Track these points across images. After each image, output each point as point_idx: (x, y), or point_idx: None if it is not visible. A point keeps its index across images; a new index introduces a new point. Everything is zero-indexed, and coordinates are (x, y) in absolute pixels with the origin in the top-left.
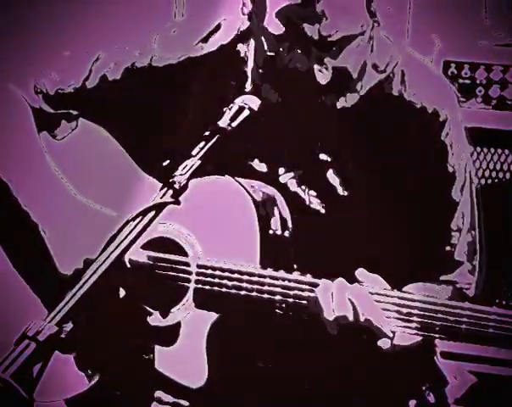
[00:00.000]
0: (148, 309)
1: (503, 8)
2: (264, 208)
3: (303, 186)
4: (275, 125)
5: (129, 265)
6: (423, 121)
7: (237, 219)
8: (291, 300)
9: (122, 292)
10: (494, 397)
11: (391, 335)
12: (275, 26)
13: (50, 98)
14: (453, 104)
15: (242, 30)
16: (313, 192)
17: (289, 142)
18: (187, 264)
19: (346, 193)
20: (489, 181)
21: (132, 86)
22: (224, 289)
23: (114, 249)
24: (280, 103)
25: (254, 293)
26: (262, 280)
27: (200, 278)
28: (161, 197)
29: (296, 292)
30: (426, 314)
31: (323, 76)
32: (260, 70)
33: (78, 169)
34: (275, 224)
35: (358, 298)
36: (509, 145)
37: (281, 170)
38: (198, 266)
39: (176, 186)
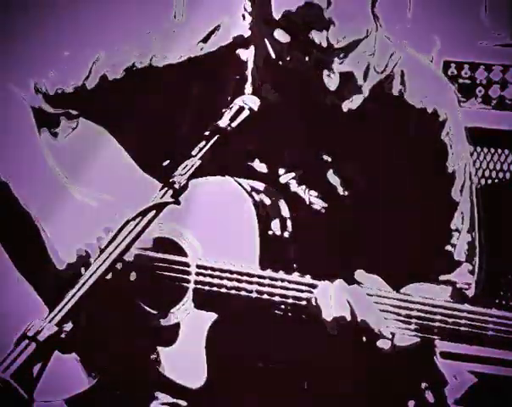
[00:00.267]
0: (148, 309)
1: (503, 8)
2: (264, 208)
3: (304, 187)
4: (275, 125)
5: (129, 265)
6: (423, 121)
7: (237, 219)
8: (290, 301)
9: (122, 292)
10: (494, 397)
11: (390, 337)
12: (279, 31)
13: (50, 98)
14: (453, 104)
15: (242, 30)
16: (313, 192)
17: (289, 142)
18: (187, 265)
19: (346, 193)
20: (489, 181)
21: (132, 86)
22: (223, 290)
23: (114, 249)
24: (280, 103)
25: (254, 294)
26: (261, 281)
27: (200, 278)
28: (161, 198)
29: (295, 293)
30: (425, 316)
31: (331, 81)
32: (260, 71)
33: (78, 168)
34: (275, 225)
35: (357, 299)
36: (509, 145)
37: (282, 171)
38: (198, 267)
39: (176, 186)
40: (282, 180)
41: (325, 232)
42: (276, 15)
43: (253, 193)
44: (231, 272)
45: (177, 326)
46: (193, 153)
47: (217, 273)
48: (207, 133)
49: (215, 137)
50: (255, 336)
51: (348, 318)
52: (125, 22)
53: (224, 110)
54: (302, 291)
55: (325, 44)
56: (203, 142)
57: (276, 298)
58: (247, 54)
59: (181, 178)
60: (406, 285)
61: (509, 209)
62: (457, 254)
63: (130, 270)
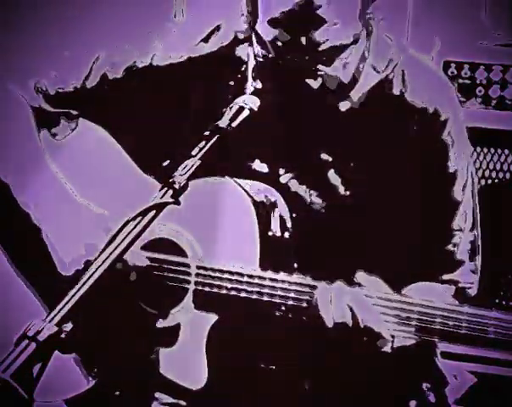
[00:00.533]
0: (148, 309)
1: (503, 8)
2: (264, 209)
3: (304, 187)
4: (275, 125)
5: (129, 266)
6: (424, 121)
7: (237, 220)
8: (290, 302)
9: (122, 292)
10: (494, 397)
11: (390, 339)
12: (266, 32)
13: (50, 98)
14: (454, 104)
15: (242, 30)
16: (314, 192)
17: (289, 141)
18: (187, 266)
19: (347, 193)
20: (489, 181)
21: (132, 85)
22: (223, 291)
23: (114, 249)
24: (280, 103)
25: (254, 295)
26: (261, 282)
27: (200, 279)
28: (161, 198)
29: (295, 294)
30: (426, 318)
31: (315, 82)
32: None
33: (78, 169)
34: (275, 225)
35: (357, 301)
36: (509, 145)
37: (282, 171)
38: (198, 267)
39: (176, 186)
40: (282, 180)
41: (325, 232)
42: (267, 15)
43: (253, 194)
44: (231, 273)
45: (177, 326)
46: (193, 153)
47: (217, 274)
48: (207, 133)
49: (215, 137)
50: (255, 337)
51: (349, 320)
52: (126, 21)
53: (224, 110)
54: (302, 292)
55: (308, 44)
56: (203, 142)
57: (277, 300)
58: (247, 54)
59: (181, 178)
60: (408, 285)
61: (509, 209)
62: (459, 254)
63: (130, 270)
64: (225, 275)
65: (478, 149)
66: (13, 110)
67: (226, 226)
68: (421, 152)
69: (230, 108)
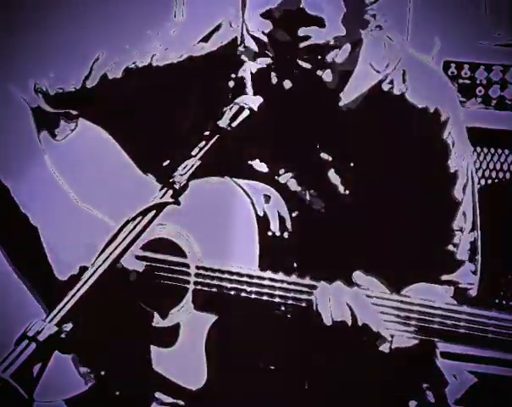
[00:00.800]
0: (148, 309)
1: (503, 8)
2: (263, 209)
3: (304, 186)
4: (275, 124)
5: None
6: (425, 121)
7: (236, 220)
8: (290, 302)
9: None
10: (494, 397)
11: (389, 339)
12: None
13: (50, 98)
14: (454, 104)
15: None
16: (313, 192)
17: (289, 141)
18: (186, 266)
19: (347, 193)
20: (489, 181)
21: (132, 85)
22: (223, 291)
23: (114, 249)
24: (280, 102)
25: (253, 295)
26: (261, 282)
27: (199, 280)
28: (161, 198)
29: (295, 294)
30: (424, 317)
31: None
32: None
33: (77, 169)
34: (274, 225)
35: (356, 301)
36: (509, 145)
37: (281, 170)
38: (197, 268)
39: (176, 186)
40: (282, 179)
41: (325, 232)
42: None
43: (253, 194)
44: (231, 273)
45: (177, 326)
46: (193, 153)
47: (216, 274)
48: (207, 133)
49: (215, 137)
50: (255, 337)
51: (348, 320)
52: (126, 21)
53: (224, 110)
54: (301, 292)
55: (291, 41)
56: (203, 142)
57: (276, 300)
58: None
59: (181, 178)
60: (408, 285)
61: (509, 209)
62: (459, 254)
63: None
64: (225, 276)
65: (478, 149)
66: (12, 111)
67: (226, 226)
68: (421, 152)
69: (230, 108)
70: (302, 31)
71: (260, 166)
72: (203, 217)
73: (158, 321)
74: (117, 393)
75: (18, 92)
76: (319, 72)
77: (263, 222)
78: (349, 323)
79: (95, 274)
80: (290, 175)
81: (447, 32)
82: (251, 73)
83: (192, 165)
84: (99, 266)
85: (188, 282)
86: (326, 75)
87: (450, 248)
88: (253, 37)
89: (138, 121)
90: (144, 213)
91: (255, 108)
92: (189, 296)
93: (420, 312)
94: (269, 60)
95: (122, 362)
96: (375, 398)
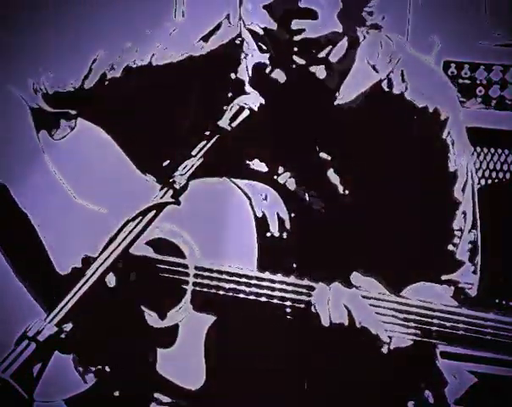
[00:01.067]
0: (147, 310)
1: (503, 8)
2: (262, 210)
3: (303, 186)
4: (274, 124)
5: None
6: (424, 120)
7: (235, 221)
8: (288, 303)
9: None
10: (494, 397)
11: (388, 340)
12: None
13: (49, 98)
14: (454, 103)
15: (241, 29)
16: (313, 192)
17: (289, 141)
18: (185, 266)
19: (346, 192)
20: (489, 181)
21: (132, 85)
22: (221, 292)
23: (114, 249)
24: (279, 102)
25: (252, 296)
26: (260, 283)
27: (198, 280)
28: (161, 198)
29: (293, 295)
30: (423, 319)
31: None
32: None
33: (76, 169)
34: (273, 226)
35: (355, 302)
36: (509, 145)
37: (281, 170)
38: (196, 268)
39: (176, 186)
40: (281, 179)
41: (324, 233)
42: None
43: (252, 194)
44: (230, 274)
45: (176, 327)
46: (193, 153)
47: (215, 275)
48: (207, 133)
49: (215, 137)
50: (254, 337)
51: (346, 321)
52: (125, 21)
53: (224, 109)
54: (300, 293)
55: (286, 36)
56: (203, 142)
57: (275, 300)
58: (247, 51)
59: (181, 178)
60: (408, 285)
61: (509, 209)
62: (459, 254)
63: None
64: (224, 276)
65: (478, 149)
66: (11, 110)
67: (225, 227)
68: (421, 151)
69: (231, 108)
70: (295, 24)
71: (260, 166)
72: (202, 217)
73: (156, 322)
74: (117, 393)
75: (17, 92)
76: (314, 68)
77: (262, 223)
78: (347, 324)
79: (95, 274)
80: (289, 174)
81: (447, 32)
82: (250, 68)
83: (192, 165)
84: (99, 266)
85: (187, 283)
86: (322, 73)
87: (450, 247)
88: (250, 31)
89: (138, 121)
90: (144, 213)
91: (255, 108)
92: (188, 296)
93: (418, 313)
94: (267, 55)
95: (122, 362)
96: (374, 398)
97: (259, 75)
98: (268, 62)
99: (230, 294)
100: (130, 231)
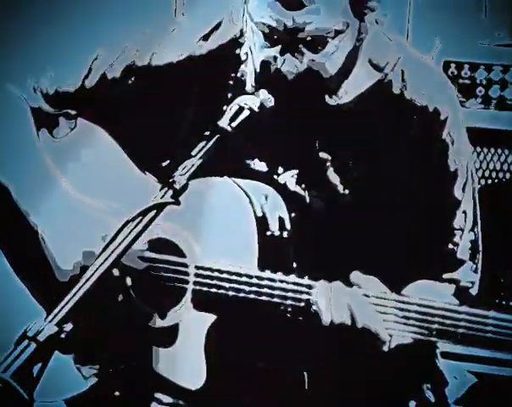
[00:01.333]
0: (147, 309)
1: (503, 8)
2: (262, 209)
3: (303, 186)
4: (274, 124)
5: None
6: (424, 120)
7: (235, 220)
8: (289, 302)
9: (121, 293)
10: (494, 397)
11: (388, 338)
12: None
13: (49, 98)
14: (453, 103)
15: (242, 29)
16: (313, 192)
17: (289, 141)
18: (185, 266)
19: (346, 192)
20: (489, 181)
21: (132, 85)
22: (222, 291)
23: (114, 249)
24: (279, 102)
25: (252, 295)
26: (260, 282)
27: (198, 279)
28: (161, 198)
29: (294, 294)
30: (424, 317)
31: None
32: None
33: (76, 169)
34: (274, 225)
35: (355, 301)
36: (509, 145)
37: (281, 170)
38: (196, 268)
39: (176, 186)
40: (281, 179)
41: (324, 232)
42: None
43: (252, 193)
44: (230, 273)
45: (176, 326)
46: (193, 153)
47: (215, 274)
48: (207, 133)
49: (215, 137)
50: (254, 337)
51: (347, 320)
52: (125, 21)
53: (224, 110)
54: (301, 292)
55: (290, 23)
56: (203, 142)
57: (275, 299)
58: (247, 50)
59: (181, 178)
60: (409, 284)
61: (509, 209)
62: (460, 253)
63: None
64: (224, 275)
65: (478, 149)
66: (12, 110)
67: (225, 226)
68: (421, 151)
69: (231, 108)
70: (298, 19)
71: (260, 166)
72: (202, 217)
73: (157, 322)
74: (117, 393)
75: (17, 92)
76: (316, 65)
77: (262, 222)
78: (348, 323)
79: (95, 274)
80: (289, 174)
81: (447, 32)
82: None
83: (192, 165)
84: (99, 266)
85: (187, 282)
86: (324, 71)
87: (451, 246)
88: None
89: (138, 121)
90: (144, 213)
91: (255, 108)
92: (188, 296)
93: (418, 312)
94: (272, 52)
95: (122, 362)
96: (375, 397)
97: (266, 71)
98: (278, 55)
99: (231, 293)
100: (130, 231)
